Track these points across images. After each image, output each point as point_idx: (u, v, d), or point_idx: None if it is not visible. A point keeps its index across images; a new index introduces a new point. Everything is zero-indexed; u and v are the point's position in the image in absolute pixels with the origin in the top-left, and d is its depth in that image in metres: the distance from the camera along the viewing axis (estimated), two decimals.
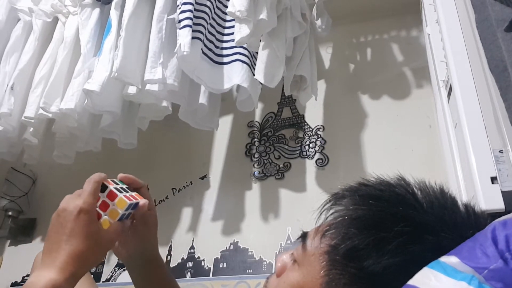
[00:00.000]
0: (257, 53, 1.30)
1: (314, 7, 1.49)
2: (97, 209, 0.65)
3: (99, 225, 0.63)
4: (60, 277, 0.57)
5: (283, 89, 1.72)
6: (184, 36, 1.12)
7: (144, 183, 0.74)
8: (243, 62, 1.26)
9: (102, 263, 1.59)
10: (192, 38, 1.13)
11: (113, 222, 0.65)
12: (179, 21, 1.15)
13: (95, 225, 0.62)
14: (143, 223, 0.73)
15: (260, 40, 1.26)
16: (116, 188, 0.67)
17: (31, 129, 1.45)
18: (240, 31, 1.11)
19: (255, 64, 1.31)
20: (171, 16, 1.24)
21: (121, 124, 1.45)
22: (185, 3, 1.18)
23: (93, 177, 0.65)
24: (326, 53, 1.77)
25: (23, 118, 1.40)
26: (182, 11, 1.16)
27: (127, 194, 0.68)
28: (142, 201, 0.70)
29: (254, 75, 1.29)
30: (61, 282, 0.57)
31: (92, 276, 1.57)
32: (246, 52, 1.28)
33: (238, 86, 1.30)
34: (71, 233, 0.60)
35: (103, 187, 0.66)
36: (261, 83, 1.31)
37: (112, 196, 0.66)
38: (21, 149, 1.59)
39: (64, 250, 0.59)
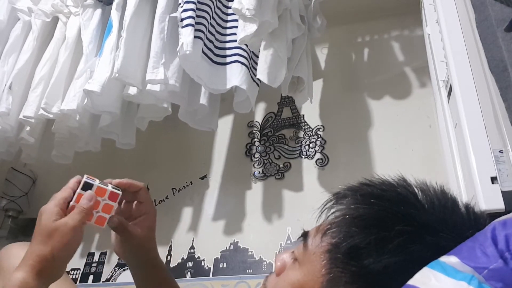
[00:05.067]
0: (256, 55, 1.29)
1: (310, 6, 1.49)
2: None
3: (56, 219, 0.65)
4: (28, 275, 0.62)
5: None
6: (186, 35, 1.12)
7: (142, 185, 0.74)
8: (242, 63, 1.26)
9: (102, 263, 1.59)
10: (194, 37, 1.13)
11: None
12: (181, 20, 1.15)
13: (47, 221, 0.65)
14: (140, 226, 0.73)
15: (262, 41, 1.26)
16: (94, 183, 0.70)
17: (28, 128, 1.45)
18: (245, 30, 1.11)
19: (253, 66, 1.31)
20: (173, 14, 1.24)
21: (119, 124, 1.45)
22: (187, 2, 1.18)
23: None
24: (326, 52, 1.77)
25: (22, 117, 1.40)
26: (185, 10, 1.16)
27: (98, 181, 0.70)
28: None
29: (252, 76, 1.29)
30: (30, 279, 0.61)
31: (92, 276, 1.58)
32: (245, 54, 1.28)
33: (236, 88, 1.30)
34: (33, 235, 0.65)
35: (88, 185, 0.68)
36: (258, 85, 1.31)
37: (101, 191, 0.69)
38: (18, 148, 1.59)
39: (28, 252, 0.64)
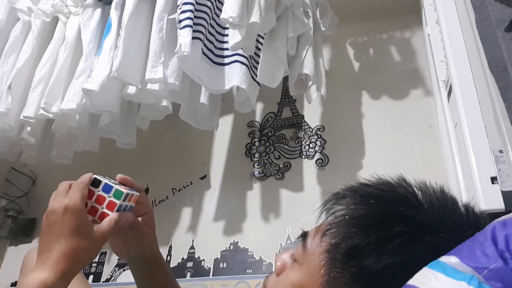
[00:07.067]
0: (257, 55, 1.29)
1: (318, 6, 1.48)
2: (94, 204, 0.66)
3: (89, 221, 0.63)
4: (51, 276, 0.57)
5: (283, 89, 1.72)
6: (184, 36, 1.12)
7: (141, 187, 0.74)
8: (242, 63, 1.26)
9: (102, 263, 1.59)
10: (193, 38, 1.14)
11: (112, 213, 0.65)
12: (180, 21, 1.15)
13: (83, 222, 0.62)
14: (141, 225, 0.73)
15: (260, 45, 1.26)
16: (110, 182, 0.68)
17: (29, 128, 1.45)
18: (234, 37, 1.12)
19: (254, 65, 1.31)
20: (172, 16, 1.24)
21: (120, 124, 1.46)
22: (185, 3, 1.18)
23: (79, 179, 0.66)
24: (326, 53, 1.77)
25: (22, 117, 1.40)
26: (183, 11, 1.16)
27: (122, 187, 0.68)
28: (135, 193, 0.70)
29: (252, 76, 1.29)
30: (52, 281, 0.57)
31: (92, 276, 1.58)
32: (245, 53, 1.28)
33: (237, 87, 1.30)
34: (60, 232, 0.60)
35: (97, 182, 0.67)
36: (259, 84, 1.31)
37: (107, 188, 0.66)
38: (20, 148, 1.59)
39: (54, 250, 0.59)
